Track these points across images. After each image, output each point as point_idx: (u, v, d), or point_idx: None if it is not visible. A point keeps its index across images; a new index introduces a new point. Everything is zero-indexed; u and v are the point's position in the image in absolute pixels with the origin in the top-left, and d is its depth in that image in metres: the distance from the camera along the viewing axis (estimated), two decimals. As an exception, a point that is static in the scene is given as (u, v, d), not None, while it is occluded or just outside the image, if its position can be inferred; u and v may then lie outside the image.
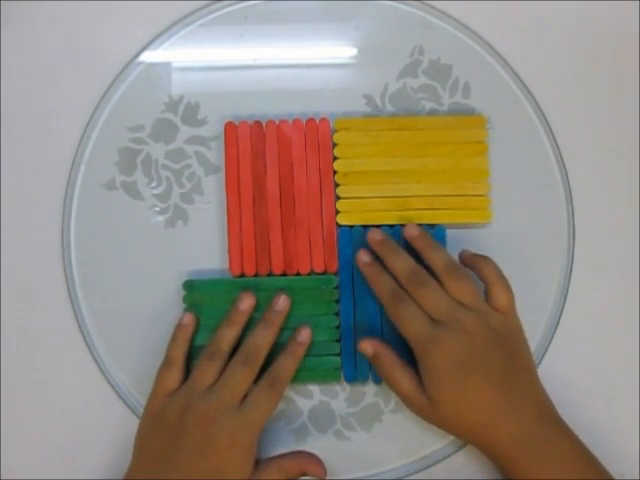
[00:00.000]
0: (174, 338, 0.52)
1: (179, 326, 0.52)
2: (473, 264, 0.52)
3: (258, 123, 0.54)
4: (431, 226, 0.54)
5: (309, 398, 0.54)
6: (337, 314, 0.53)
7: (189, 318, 0.52)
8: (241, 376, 0.49)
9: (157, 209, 0.55)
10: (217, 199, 0.55)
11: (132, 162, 0.55)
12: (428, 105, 0.56)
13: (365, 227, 0.53)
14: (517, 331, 0.51)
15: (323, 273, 0.53)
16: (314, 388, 0.54)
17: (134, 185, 0.55)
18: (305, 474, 0.50)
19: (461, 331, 0.48)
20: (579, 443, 0.48)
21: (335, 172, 0.54)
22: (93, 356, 0.54)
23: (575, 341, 0.55)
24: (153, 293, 0.54)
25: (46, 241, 0.55)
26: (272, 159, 0.53)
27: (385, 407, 0.54)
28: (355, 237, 0.53)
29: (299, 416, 0.54)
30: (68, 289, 0.55)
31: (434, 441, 0.53)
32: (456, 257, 0.52)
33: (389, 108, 0.56)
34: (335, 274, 0.53)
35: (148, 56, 0.56)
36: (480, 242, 0.54)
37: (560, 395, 0.50)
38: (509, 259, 0.52)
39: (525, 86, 0.56)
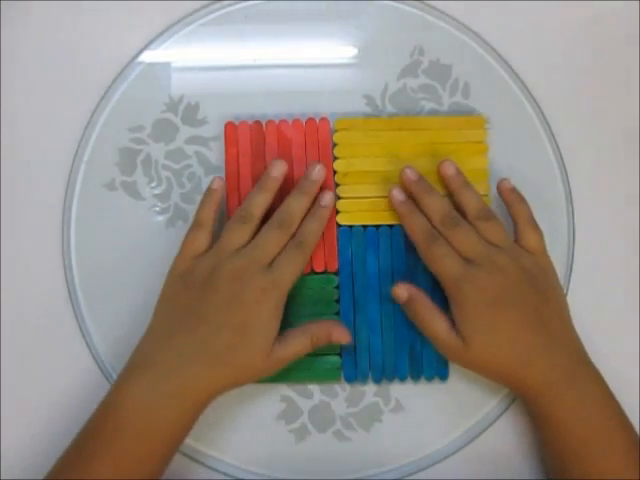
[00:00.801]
0: (203, 202, 0.52)
1: (208, 190, 0.52)
2: (508, 199, 0.52)
3: (258, 123, 0.54)
4: (431, 226, 0.54)
5: (309, 398, 0.54)
6: (337, 314, 0.53)
7: (219, 183, 0.52)
8: (274, 238, 0.49)
9: (157, 209, 0.55)
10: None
11: (132, 162, 0.55)
12: (428, 105, 0.56)
13: (365, 227, 0.53)
14: (548, 270, 0.51)
15: (323, 273, 0.53)
16: (314, 388, 0.54)
17: (134, 185, 0.55)
18: (331, 340, 0.50)
19: (494, 269, 0.48)
20: (608, 388, 0.49)
21: (335, 172, 0.54)
22: (93, 356, 0.54)
23: (575, 341, 0.55)
24: (153, 293, 0.54)
25: (46, 241, 0.55)
26: (272, 159, 0.53)
27: (385, 407, 0.54)
28: (355, 237, 0.53)
29: (299, 416, 0.54)
30: (68, 289, 0.55)
31: (434, 441, 0.54)
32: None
33: (389, 108, 0.56)
34: (335, 274, 0.53)
35: (148, 56, 0.56)
36: (480, 242, 0.54)
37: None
38: (509, 259, 0.52)
39: (525, 86, 0.56)
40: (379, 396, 0.54)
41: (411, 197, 0.52)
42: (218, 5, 0.56)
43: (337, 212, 0.54)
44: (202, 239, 0.50)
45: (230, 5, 0.57)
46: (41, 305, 0.55)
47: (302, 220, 0.51)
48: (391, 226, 0.54)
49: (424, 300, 0.50)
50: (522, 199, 0.52)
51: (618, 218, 0.56)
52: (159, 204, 0.55)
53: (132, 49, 0.56)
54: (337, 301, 0.53)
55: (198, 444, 0.53)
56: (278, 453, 0.53)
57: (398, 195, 0.52)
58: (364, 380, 0.53)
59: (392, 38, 0.57)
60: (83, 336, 0.54)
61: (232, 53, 0.57)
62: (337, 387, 0.54)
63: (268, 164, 0.53)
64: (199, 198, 0.55)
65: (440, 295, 0.51)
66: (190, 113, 0.56)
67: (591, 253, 0.56)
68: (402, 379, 0.53)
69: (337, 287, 0.53)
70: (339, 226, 0.54)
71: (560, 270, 0.53)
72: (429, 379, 0.53)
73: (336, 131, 0.54)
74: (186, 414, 0.48)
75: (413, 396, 0.54)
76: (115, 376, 0.53)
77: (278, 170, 0.51)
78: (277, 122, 0.54)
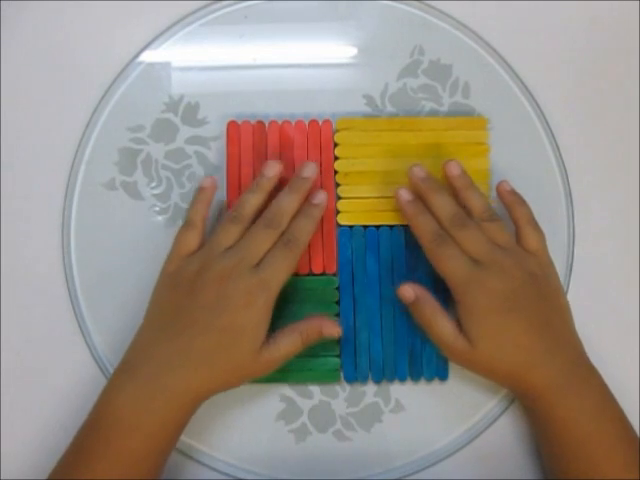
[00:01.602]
0: (194, 201, 0.52)
1: (200, 189, 0.52)
2: (508, 201, 0.52)
3: (260, 123, 0.54)
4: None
5: (309, 398, 0.54)
6: (337, 315, 0.53)
7: (210, 181, 0.52)
8: (261, 238, 0.49)
9: (157, 209, 0.55)
10: (217, 199, 0.55)
11: (132, 162, 0.55)
12: (428, 105, 0.56)
13: (365, 227, 0.53)
14: (551, 271, 0.51)
15: (322, 273, 0.53)
16: (314, 388, 0.54)
17: (134, 185, 0.55)
18: (322, 335, 0.50)
19: (502, 272, 0.48)
20: (607, 388, 0.49)
21: (336, 172, 0.54)
22: (94, 356, 0.54)
23: (575, 341, 0.55)
24: (153, 293, 0.54)
25: (46, 241, 0.55)
26: (274, 159, 0.53)
27: (385, 407, 0.54)
28: (355, 237, 0.53)
29: (299, 416, 0.54)
30: (68, 289, 0.55)
31: (434, 441, 0.54)
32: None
33: (389, 108, 0.56)
34: (334, 274, 0.53)
35: (148, 56, 0.56)
36: (480, 242, 0.54)
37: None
38: (509, 259, 0.52)
39: (525, 86, 0.56)
40: (379, 396, 0.54)
41: (417, 195, 0.52)
42: (218, 5, 0.56)
43: (337, 212, 0.54)
44: (192, 239, 0.50)
45: (230, 5, 0.56)
46: (41, 305, 0.55)
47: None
48: (391, 226, 0.54)
49: (431, 301, 0.50)
50: (522, 200, 0.52)
51: (618, 218, 0.56)
52: (159, 204, 0.55)
53: (132, 49, 0.56)
54: (337, 303, 0.53)
55: (198, 444, 0.53)
56: (278, 453, 0.53)
57: (405, 195, 0.51)
58: (364, 380, 0.53)
59: (392, 38, 0.57)
60: (83, 336, 0.54)
61: (232, 53, 0.57)
62: (337, 387, 0.54)
63: (268, 164, 0.53)
64: (199, 198, 0.55)
65: (440, 295, 0.51)
66: (190, 113, 0.56)
67: (591, 253, 0.56)
68: (402, 379, 0.53)
69: (337, 288, 0.53)
70: (339, 226, 0.54)
71: (560, 270, 0.53)
72: (429, 379, 0.53)
73: (337, 131, 0.54)
74: (174, 416, 0.47)
75: (413, 396, 0.54)
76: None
77: (272, 170, 0.51)
78: (280, 122, 0.54)
